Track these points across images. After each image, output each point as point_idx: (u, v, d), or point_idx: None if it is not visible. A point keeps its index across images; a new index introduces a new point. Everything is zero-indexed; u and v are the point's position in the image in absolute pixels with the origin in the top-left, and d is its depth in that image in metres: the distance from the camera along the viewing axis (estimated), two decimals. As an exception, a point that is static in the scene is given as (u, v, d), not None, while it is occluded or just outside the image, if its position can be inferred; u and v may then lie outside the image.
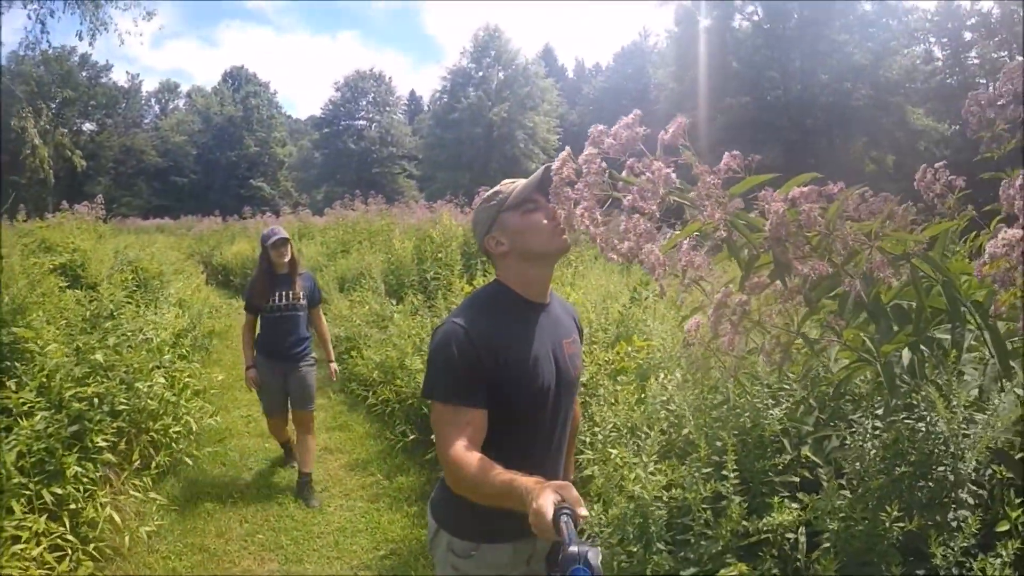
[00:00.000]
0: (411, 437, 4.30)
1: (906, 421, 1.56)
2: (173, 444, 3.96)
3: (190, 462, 3.98)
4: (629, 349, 3.06)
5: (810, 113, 26.39)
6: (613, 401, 2.80)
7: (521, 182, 1.50)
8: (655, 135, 1.33)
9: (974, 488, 1.59)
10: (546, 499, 1.04)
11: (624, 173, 1.43)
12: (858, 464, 1.58)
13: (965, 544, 1.41)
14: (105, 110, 42.06)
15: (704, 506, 2.12)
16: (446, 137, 37.80)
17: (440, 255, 7.02)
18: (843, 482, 1.96)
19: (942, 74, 27.14)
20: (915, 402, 1.53)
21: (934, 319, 1.30)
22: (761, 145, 21.23)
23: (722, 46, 27.56)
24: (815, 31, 26.27)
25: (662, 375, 2.98)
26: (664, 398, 2.82)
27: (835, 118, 26.03)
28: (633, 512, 2.29)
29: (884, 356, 1.31)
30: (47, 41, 19.77)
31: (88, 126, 41.62)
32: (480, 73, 39.10)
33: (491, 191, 1.55)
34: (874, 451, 1.55)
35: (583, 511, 1.04)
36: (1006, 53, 23.60)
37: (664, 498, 2.20)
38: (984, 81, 24.16)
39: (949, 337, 1.31)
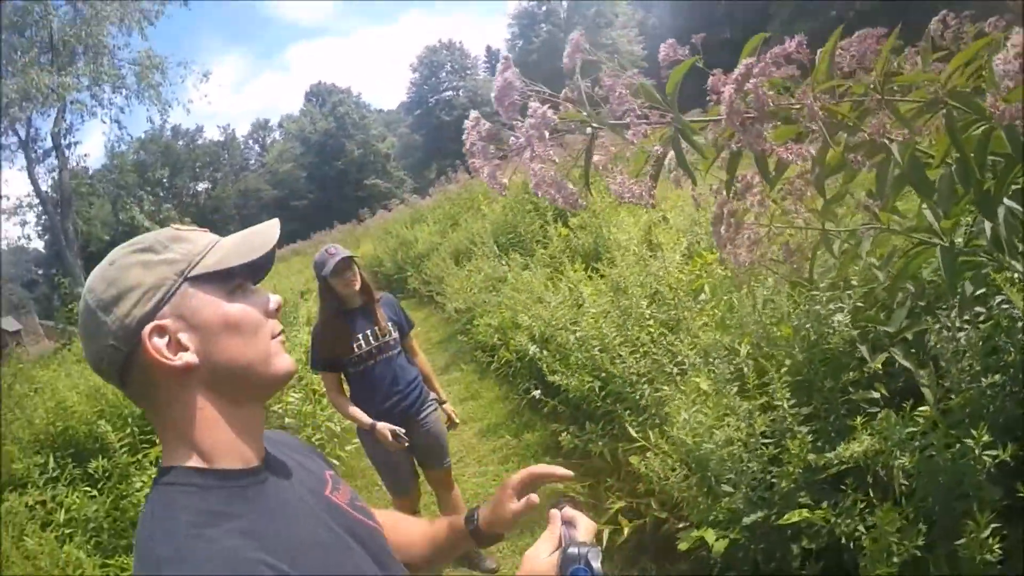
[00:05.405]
0: (533, 393, 4.05)
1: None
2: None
3: (337, 463, 4.32)
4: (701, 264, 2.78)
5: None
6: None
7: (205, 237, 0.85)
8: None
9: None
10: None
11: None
12: (957, 365, 1.30)
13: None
14: (212, 167, 45.98)
15: (765, 441, 1.89)
16: (533, 78, 36.90)
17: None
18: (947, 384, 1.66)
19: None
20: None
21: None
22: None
23: None
24: None
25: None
26: (702, 321, 2.51)
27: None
28: (701, 457, 2.02)
29: (947, 234, 1.04)
30: (128, 135, 22.07)
31: (202, 185, 45.87)
32: (544, 7, 37.91)
33: (142, 238, 0.82)
34: (968, 347, 1.27)
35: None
36: None
37: (718, 439, 1.94)
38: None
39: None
